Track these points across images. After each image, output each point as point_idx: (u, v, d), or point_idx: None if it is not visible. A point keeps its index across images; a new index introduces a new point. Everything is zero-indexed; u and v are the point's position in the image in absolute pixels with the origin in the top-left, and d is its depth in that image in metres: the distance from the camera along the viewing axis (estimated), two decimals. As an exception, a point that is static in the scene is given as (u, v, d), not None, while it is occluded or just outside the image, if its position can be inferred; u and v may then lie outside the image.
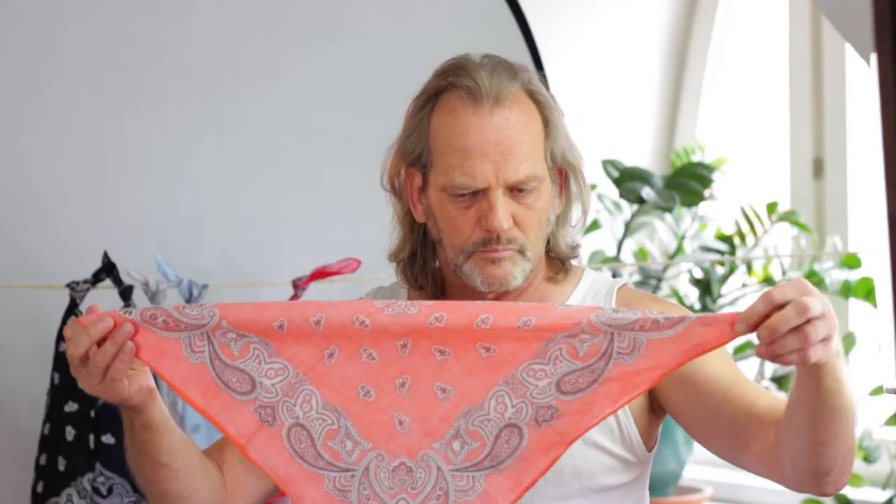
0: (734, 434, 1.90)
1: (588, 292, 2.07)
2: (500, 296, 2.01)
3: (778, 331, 1.69)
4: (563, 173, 2.05)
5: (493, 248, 1.98)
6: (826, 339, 1.71)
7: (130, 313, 1.87)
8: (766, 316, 1.70)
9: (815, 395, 1.76)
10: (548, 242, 2.05)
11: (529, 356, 1.80)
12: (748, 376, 1.97)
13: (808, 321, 1.68)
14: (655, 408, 2.02)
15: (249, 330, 1.86)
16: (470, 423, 1.81)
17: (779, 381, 3.83)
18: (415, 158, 2.02)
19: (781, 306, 1.69)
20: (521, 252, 1.99)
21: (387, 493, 1.83)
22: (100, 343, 1.86)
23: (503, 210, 1.96)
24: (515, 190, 1.97)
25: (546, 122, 2.01)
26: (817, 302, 1.69)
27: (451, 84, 2.00)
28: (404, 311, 1.83)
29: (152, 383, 1.92)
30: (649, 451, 2.03)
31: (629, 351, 1.76)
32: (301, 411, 1.86)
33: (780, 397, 1.87)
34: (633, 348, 1.76)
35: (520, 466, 1.80)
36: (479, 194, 1.97)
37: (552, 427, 1.78)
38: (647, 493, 2.08)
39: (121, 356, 1.86)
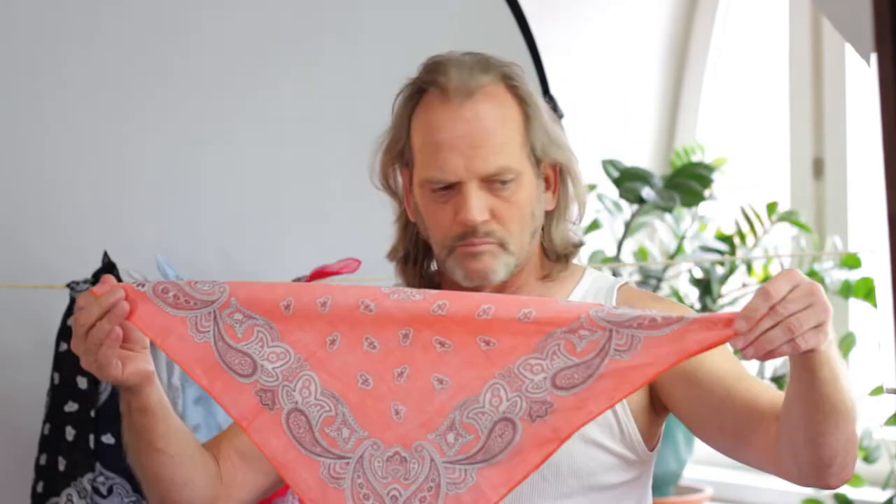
0: (736, 430, 1.90)
1: (589, 291, 2.05)
2: (489, 291, 1.99)
3: (753, 325, 1.68)
4: (556, 169, 2.03)
5: (470, 241, 1.97)
6: (819, 326, 1.69)
7: (143, 286, 1.88)
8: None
9: (810, 386, 1.75)
10: (542, 240, 2.04)
11: (528, 350, 1.80)
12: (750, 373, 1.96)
13: (790, 311, 1.67)
14: (657, 406, 2.00)
15: (256, 309, 1.87)
16: (465, 415, 1.81)
17: (778, 380, 3.83)
18: (398, 155, 2.03)
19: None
20: (502, 246, 1.97)
21: (380, 482, 1.83)
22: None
23: (476, 203, 1.95)
24: (491, 183, 1.96)
25: (526, 117, 1.99)
26: (783, 284, 1.68)
27: (426, 81, 2.00)
28: (409, 297, 1.84)
29: (150, 367, 1.91)
30: (651, 449, 2.01)
31: (626, 348, 1.75)
32: (300, 397, 1.86)
33: (782, 393, 1.85)
34: (631, 345, 1.75)
35: (512, 461, 1.79)
36: (454, 188, 1.97)
37: (546, 423, 1.78)
38: (650, 492, 2.06)
39: (107, 342, 1.86)
